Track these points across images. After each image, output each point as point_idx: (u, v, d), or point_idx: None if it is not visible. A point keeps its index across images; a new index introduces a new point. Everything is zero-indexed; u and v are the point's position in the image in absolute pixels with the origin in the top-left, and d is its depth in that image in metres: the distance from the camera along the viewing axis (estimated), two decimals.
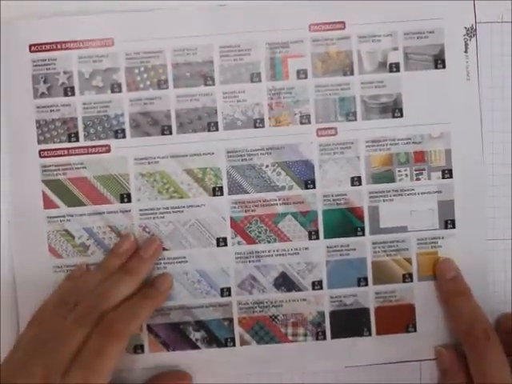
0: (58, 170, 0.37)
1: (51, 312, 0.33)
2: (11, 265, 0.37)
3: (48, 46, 0.37)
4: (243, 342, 0.37)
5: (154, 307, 0.35)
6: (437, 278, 0.37)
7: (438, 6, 0.37)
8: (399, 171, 0.37)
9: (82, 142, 0.37)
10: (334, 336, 0.37)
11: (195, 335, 0.37)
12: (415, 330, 0.37)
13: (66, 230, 0.37)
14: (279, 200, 0.37)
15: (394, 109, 0.37)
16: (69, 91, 0.37)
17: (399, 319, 0.37)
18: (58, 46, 0.37)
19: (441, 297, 0.37)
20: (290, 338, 0.37)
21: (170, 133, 0.37)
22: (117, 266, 0.35)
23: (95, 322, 0.31)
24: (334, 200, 0.37)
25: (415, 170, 0.37)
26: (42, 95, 0.37)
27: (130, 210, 0.37)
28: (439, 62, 0.37)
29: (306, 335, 0.37)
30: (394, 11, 0.37)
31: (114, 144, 0.37)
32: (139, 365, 0.37)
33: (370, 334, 0.37)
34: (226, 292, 0.37)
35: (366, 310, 0.37)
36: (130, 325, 0.32)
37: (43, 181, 0.37)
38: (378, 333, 0.37)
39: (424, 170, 0.37)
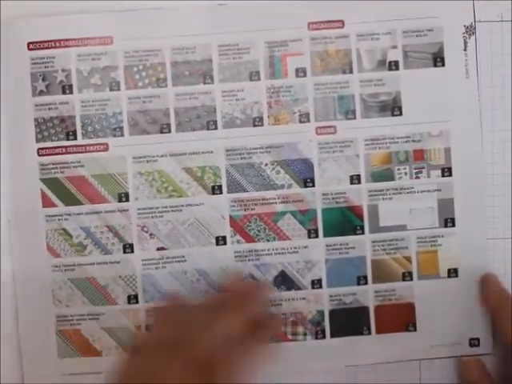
0: (56, 168, 0.37)
1: (153, 350, 0.29)
2: (11, 263, 0.37)
3: (46, 44, 0.36)
4: None
5: (263, 350, 0.32)
6: (482, 290, 0.36)
7: (436, 5, 0.37)
8: (398, 169, 0.37)
9: (80, 141, 0.37)
10: (333, 335, 0.37)
11: None
12: (415, 329, 0.37)
13: (64, 229, 0.37)
14: (278, 198, 0.37)
15: (393, 107, 0.37)
16: (67, 89, 0.37)
17: (399, 318, 0.37)
18: (57, 44, 0.36)
19: (486, 309, 0.36)
20: (290, 337, 0.37)
21: (169, 131, 0.37)
22: (221, 303, 0.32)
23: (198, 364, 0.28)
24: (333, 198, 0.37)
25: (415, 169, 0.37)
26: (41, 93, 0.37)
27: (127, 210, 0.37)
28: (438, 60, 0.37)
29: (305, 334, 0.37)
30: (393, 9, 0.37)
31: (112, 142, 0.37)
32: None
33: (369, 333, 0.37)
34: None
35: (365, 309, 0.37)
36: (237, 369, 0.29)
37: (41, 179, 0.37)
38: (378, 332, 0.37)
39: (423, 168, 0.37)
